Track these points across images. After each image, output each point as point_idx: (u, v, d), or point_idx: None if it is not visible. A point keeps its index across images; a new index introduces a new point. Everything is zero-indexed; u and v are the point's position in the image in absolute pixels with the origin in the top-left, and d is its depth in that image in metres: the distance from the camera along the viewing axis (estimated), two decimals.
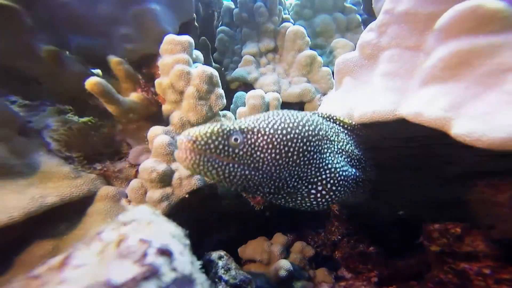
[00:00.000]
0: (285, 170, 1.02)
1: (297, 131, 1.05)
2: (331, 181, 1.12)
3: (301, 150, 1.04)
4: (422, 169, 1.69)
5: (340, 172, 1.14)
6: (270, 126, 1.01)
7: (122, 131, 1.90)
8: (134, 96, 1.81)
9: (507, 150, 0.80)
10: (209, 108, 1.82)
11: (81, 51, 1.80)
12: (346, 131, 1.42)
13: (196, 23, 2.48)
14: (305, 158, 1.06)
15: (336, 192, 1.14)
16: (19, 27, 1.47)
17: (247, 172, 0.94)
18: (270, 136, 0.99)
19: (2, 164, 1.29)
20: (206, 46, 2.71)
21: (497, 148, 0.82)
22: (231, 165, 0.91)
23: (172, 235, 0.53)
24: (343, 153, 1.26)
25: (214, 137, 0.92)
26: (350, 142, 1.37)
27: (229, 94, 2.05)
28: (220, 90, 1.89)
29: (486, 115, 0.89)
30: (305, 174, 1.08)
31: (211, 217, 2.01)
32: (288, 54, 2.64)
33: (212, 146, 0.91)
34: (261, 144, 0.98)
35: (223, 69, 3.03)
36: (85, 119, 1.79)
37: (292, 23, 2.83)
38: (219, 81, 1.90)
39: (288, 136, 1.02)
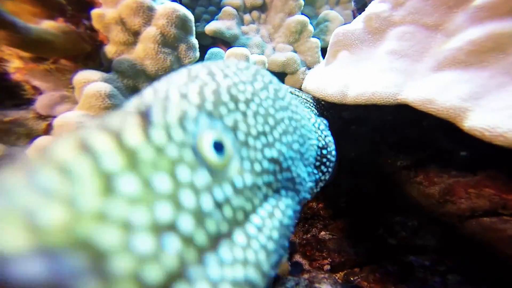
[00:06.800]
0: None
1: None
2: None
3: None
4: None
5: None
6: None
7: (23, 69, 1.32)
8: (49, 25, 1.23)
9: None
10: (176, 60, 1.41)
11: None
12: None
13: None
14: None
15: None
16: None
17: None
18: None
19: None
20: None
21: None
22: None
23: None
24: None
25: None
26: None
27: (200, 50, 1.63)
28: (193, 40, 1.47)
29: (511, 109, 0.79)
30: None
31: None
32: (276, 16, 2.27)
33: None
34: None
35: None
36: None
37: None
38: (194, 28, 1.47)
39: None
